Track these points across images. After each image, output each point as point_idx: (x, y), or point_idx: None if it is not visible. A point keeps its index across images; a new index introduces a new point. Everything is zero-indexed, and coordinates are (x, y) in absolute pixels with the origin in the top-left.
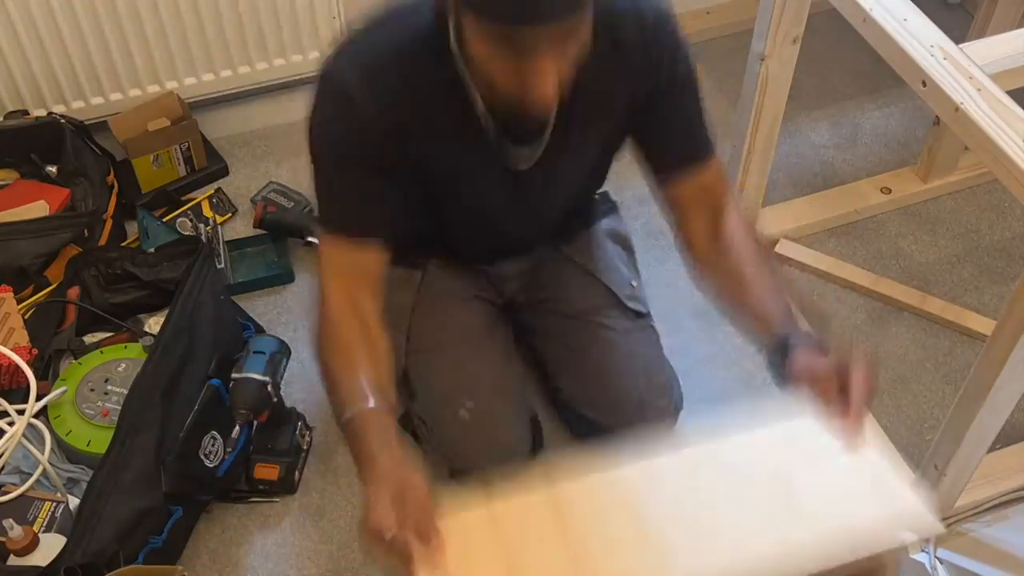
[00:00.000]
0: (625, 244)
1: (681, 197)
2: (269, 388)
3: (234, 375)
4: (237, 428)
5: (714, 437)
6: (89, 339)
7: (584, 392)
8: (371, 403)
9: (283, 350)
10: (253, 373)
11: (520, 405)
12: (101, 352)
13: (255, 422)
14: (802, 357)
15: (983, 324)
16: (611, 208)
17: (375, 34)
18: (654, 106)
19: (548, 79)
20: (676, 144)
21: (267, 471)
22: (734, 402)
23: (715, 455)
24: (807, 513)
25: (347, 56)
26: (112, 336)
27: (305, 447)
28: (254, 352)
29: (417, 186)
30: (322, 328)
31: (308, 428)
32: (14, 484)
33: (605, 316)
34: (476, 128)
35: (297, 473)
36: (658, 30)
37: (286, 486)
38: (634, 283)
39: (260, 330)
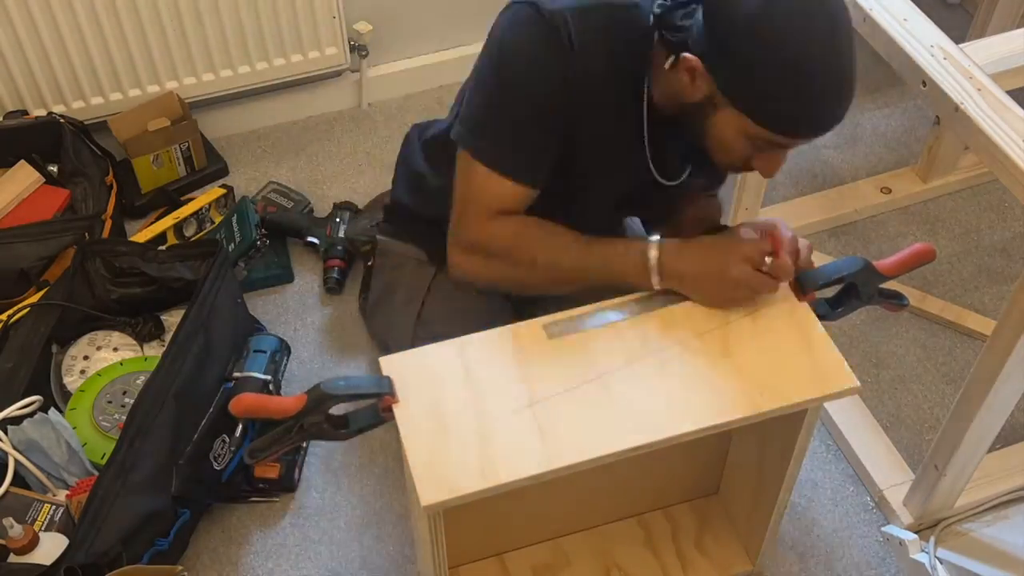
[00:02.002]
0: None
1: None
2: (270, 387)
3: (235, 374)
4: (240, 428)
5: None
6: (103, 338)
7: None
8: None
9: (283, 349)
10: (254, 372)
11: None
12: (121, 364)
13: (256, 422)
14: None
15: (983, 324)
16: None
17: (594, 4)
18: None
19: (780, 164)
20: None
21: (267, 469)
22: None
23: (664, 304)
24: (741, 366)
25: (565, 4)
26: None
27: (304, 445)
28: (255, 351)
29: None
30: (505, 244)
31: None
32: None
33: None
34: (636, 133)
35: (297, 471)
36: None
37: (286, 484)
38: None
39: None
